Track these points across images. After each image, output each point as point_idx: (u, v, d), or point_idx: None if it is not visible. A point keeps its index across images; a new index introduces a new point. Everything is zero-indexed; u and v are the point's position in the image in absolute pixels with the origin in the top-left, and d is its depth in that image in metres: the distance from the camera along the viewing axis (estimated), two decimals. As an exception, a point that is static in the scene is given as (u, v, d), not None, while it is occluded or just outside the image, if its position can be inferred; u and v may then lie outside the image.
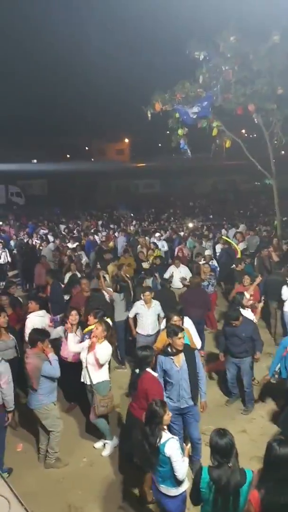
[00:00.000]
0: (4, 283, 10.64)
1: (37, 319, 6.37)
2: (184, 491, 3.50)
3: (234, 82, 10.76)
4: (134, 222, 22.26)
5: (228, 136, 12.20)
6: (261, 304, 7.11)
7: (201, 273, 8.89)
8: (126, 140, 59.49)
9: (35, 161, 52.23)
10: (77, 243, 14.29)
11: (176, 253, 11.99)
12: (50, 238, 16.28)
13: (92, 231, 18.19)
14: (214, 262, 10.46)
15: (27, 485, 4.68)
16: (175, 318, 5.51)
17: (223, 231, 16.46)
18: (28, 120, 41.97)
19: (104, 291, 7.88)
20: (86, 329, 5.77)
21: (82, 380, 5.30)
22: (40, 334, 4.99)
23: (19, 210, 32.89)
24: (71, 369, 5.69)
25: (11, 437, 5.47)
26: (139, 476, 4.36)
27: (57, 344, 6.10)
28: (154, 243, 12.91)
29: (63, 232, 18.88)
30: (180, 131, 11.80)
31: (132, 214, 27.93)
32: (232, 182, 42.43)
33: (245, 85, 10.69)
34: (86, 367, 5.18)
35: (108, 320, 5.91)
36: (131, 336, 7.42)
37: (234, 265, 9.81)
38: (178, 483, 3.42)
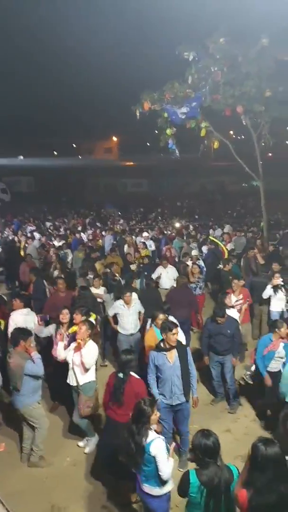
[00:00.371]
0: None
1: (20, 317, 6.28)
2: (168, 491, 3.50)
3: (222, 84, 10.85)
4: (121, 221, 22.22)
5: (216, 137, 12.28)
6: (245, 306, 7.17)
7: (189, 274, 8.94)
8: (115, 139, 59.39)
9: (21, 157, 51.73)
10: (63, 241, 14.19)
11: (164, 252, 11.99)
12: (36, 235, 16.13)
13: (79, 229, 18.09)
14: (201, 263, 10.50)
15: (10, 485, 4.64)
16: (161, 316, 5.60)
17: (210, 231, 16.55)
18: (16, 117, 41.62)
19: (94, 291, 7.84)
20: (71, 329, 5.72)
21: (68, 381, 5.26)
22: (22, 333, 4.94)
23: (4, 206, 32.48)
24: (62, 368, 5.63)
25: (-6, 436, 5.41)
26: (119, 482, 4.37)
27: (49, 342, 6.05)
28: (143, 243, 12.91)
29: (49, 230, 18.73)
30: (168, 131, 11.82)
31: (119, 213, 27.87)
32: (220, 183, 42.67)
33: (233, 86, 10.78)
34: (73, 368, 5.14)
35: (92, 318, 5.87)
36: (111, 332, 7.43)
37: (220, 266, 9.88)
38: (162, 482, 3.42)
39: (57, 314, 6.11)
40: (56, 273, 9.50)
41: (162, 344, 4.75)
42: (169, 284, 9.18)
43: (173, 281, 9.12)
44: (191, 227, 18.48)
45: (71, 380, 5.21)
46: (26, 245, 13.71)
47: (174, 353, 4.66)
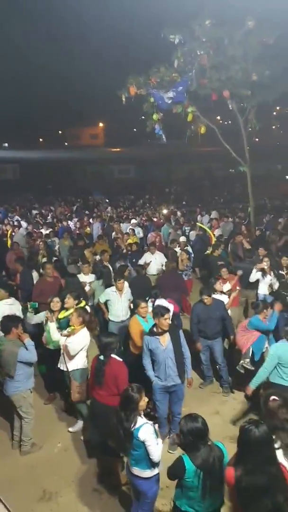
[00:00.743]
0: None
1: (5, 307, 6.24)
2: (157, 473, 3.56)
3: (209, 68, 10.72)
4: (108, 208, 22.07)
5: (203, 122, 12.20)
6: (234, 294, 7.19)
7: (178, 261, 9.00)
8: (101, 125, 58.59)
9: (6, 145, 50.77)
10: (50, 229, 14.07)
11: (151, 239, 11.97)
12: (23, 224, 15.95)
13: (67, 216, 17.94)
14: (189, 249, 10.55)
15: (2, 473, 4.68)
16: (142, 304, 5.73)
17: (198, 217, 16.56)
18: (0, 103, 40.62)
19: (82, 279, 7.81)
20: (61, 314, 5.73)
21: (58, 365, 5.29)
22: (12, 320, 4.94)
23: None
24: (53, 356, 5.66)
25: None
26: (111, 460, 4.44)
27: (39, 330, 6.05)
28: (132, 230, 12.89)
29: (36, 218, 18.53)
30: (155, 116, 11.70)
31: (107, 200, 27.64)
32: (207, 169, 42.56)
33: (219, 70, 10.67)
34: (63, 353, 5.18)
35: (82, 304, 5.87)
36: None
37: (208, 251, 9.94)
38: (152, 465, 3.48)
39: (45, 300, 6.10)
40: (44, 260, 9.43)
41: (155, 329, 4.84)
42: (156, 271, 9.21)
43: (160, 267, 9.16)
44: (178, 213, 18.46)
45: (61, 365, 5.26)
46: (13, 233, 13.57)
47: (166, 337, 4.76)
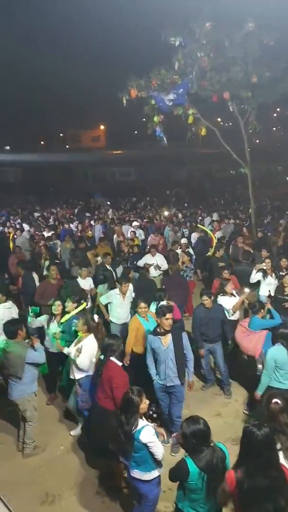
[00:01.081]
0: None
1: (4, 310, 6.25)
2: (158, 475, 3.54)
3: (209, 69, 10.74)
4: (110, 211, 22.11)
5: (204, 124, 12.22)
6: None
7: (179, 262, 9.04)
8: (102, 127, 58.66)
9: (7, 148, 50.83)
10: (52, 232, 14.10)
11: (151, 241, 11.95)
12: (26, 226, 15.98)
13: (68, 219, 17.98)
14: (190, 250, 10.56)
15: (4, 474, 4.69)
16: (142, 304, 5.79)
17: (199, 219, 16.59)
18: (0, 107, 40.69)
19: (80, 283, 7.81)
20: (64, 318, 5.74)
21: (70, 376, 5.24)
22: (16, 324, 4.99)
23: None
24: (54, 358, 5.69)
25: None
26: (112, 463, 4.42)
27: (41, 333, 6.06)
28: (134, 232, 12.90)
29: (38, 221, 18.58)
30: (155, 118, 11.73)
31: (108, 203, 27.70)
32: (208, 170, 42.62)
33: (220, 72, 10.69)
34: (70, 361, 5.16)
35: (83, 306, 5.89)
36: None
37: (209, 253, 9.96)
38: (153, 467, 3.47)
39: (46, 302, 6.11)
40: (47, 263, 9.43)
41: (158, 329, 4.89)
42: (156, 272, 9.22)
43: (159, 269, 9.20)
44: (180, 215, 18.49)
45: (72, 373, 5.20)
46: (15, 236, 13.59)
47: (168, 337, 4.79)
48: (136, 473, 3.51)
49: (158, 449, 3.41)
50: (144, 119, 12.40)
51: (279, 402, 3.37)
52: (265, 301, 7.43)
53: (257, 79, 10.57)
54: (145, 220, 17.14)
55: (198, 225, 13.69)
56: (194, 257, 10.59)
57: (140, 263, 9.41)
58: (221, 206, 23.80)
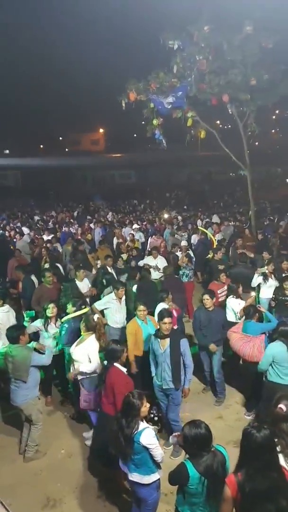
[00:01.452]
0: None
1: (3, 314, 6.24)
2: (157, 479, 3.52)
3: (208, 72, 10.77)
4: (109, 214, 22.13)
5: (203, 126, 12.25)
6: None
7: (180, 262, 9.06)
8: (101, 130, 58.84)
9: (7, 151, 50.97)
10: (52, 235, 14.10)
11: (151, 244, 11.96)
12: (25, 230, 15.98)
13: (68, 222, 17.98)
14: (190, 253, 10.55)
15: (5, 478, 4.67)
16: (140, 307, 5.80)
17: (199, 221, 16.59)
18: (0, 110, 40.84)
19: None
20: (64, 318, 5.74)
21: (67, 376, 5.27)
22: (18, 329, 5.04)
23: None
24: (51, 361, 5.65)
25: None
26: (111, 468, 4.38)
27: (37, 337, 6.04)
28: (132, 235, 12.89)
29: (38, 224, 18.58)
30: (155, 121, 11.76)
31: (107, 206, 27.72)
32: (207, 173, 42.66)
33: (219, 75, 10.72)
34: (73, 363, 5.14)
35: (85, 310, 5.87)
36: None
37: (209, 255, 9.95)
38: (152, 470, 3.45)
39: (42, 307, 6.10)
40: (47, 266, 9.43)
41: (158, 332, 4.93)
42: (157, 275, 9.20)
43: (157, 270, 9.20)
44: (179, 218, 18.49)
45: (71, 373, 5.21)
46: (15, 239, 13.59)
47: (167, 342, 4.81)
48: (135, 476, 3.49)
49: (158, 451, 3.40)
50: (143, 122, 12.43)
51: (284, 409, 3.31)
52: (267, 304, 7.45)
53: (256, 82, 10.61)
54: (144, 223, 17.15)
55: (199, 227, 13.71)
56: (194, 259, 10.59)
57: (141, 263, 9.40)
58: (220, 208, 23.80)
